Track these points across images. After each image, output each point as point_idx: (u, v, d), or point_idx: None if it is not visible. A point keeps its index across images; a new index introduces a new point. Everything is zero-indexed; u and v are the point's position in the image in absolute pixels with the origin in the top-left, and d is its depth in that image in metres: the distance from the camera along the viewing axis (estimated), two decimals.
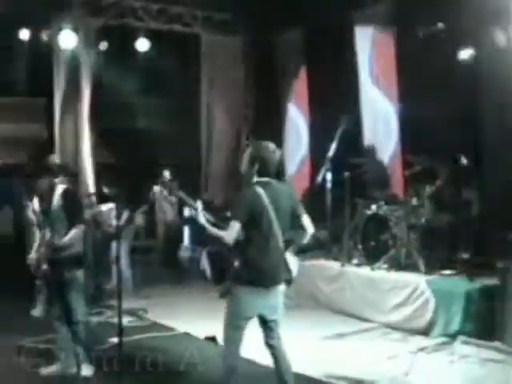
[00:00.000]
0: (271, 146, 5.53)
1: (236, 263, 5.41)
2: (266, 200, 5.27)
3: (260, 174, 5.43)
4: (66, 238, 6.48)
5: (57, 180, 6.65)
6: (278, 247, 5.38)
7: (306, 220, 5.58)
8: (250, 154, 5.52)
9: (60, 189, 6.51)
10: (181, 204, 12.73)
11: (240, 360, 5.47)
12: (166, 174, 12.68)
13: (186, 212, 12.74)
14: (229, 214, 5.31)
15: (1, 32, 13.16)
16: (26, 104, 16.21)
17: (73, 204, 6.53)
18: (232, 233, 5.22)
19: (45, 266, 6.51)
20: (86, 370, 6.64)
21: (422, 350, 7.64)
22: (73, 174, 8.80)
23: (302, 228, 5.58)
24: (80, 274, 6.62)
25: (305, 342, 7.76)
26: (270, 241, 5.33)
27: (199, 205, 5.52)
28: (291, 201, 5.55)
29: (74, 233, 6.45)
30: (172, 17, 13.58)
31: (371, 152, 10.77)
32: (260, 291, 5.34)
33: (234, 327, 5.40)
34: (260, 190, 5.30)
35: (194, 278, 12.56)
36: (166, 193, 12.49)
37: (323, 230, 10.45)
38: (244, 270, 5.34)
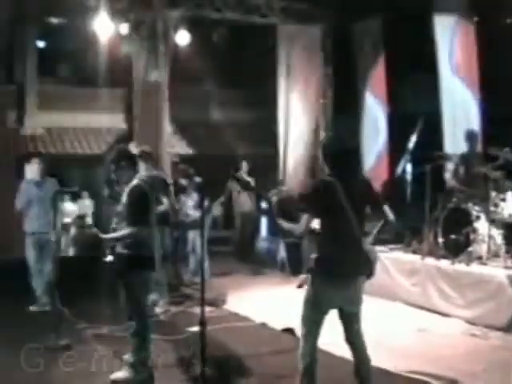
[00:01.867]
0: (344, 137, 5.53)
1: (313, 255, 5.40)
2: (341, 191, 5.22)
3: (334, 166, 5.40)
4: (112, 235, 6.33)
5: (142, 171, 6.46)
6: (355, 238, 5.33)
7: (385, 209, 5.53)
8: (323, 146, 5.53)
9: (132, 183, 6.27)
10: (258, 195, 12.80)
11: (318, 354, 5.46)
12: (244, 165, 12.75)
13: (264, 203, 12.80)
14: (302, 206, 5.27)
15: (80, 24, 13.46)
16: (105, 94, 16.54)
17: (134, 204, 6.20)
18: (301, 226, 5.22)
19: (109, 257, 6.45)
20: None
21: (502, 346, 7.48)
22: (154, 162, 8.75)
23: (382, 217, 5.54)
24: (149, 275, 6.44)
25: (383, 336, 7.69)
26: (346, 231, 5.28)
27: (274, 198, 5.48)
28: (368, 190, 5.50)
29: (124, 233, 6.20)
30: (250, 8, 13.61)
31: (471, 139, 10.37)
32: (338, 283, 5.30)
33: (312, 321, 5.38)
34: (334, 181, 5.26)
35: (271, 269, 12.61)
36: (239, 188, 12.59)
37: (403, 223, 10.33)
38: (321, 262, 5.32)
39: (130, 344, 6.39)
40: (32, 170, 9.50)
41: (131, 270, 6.27)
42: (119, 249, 6.32)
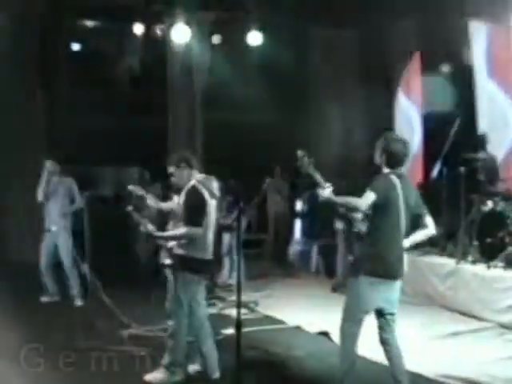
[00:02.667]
0: (402, 138, 5.56)
1: (355, 255, 5.43)
2: (399, 191, 5.24)
3: (390, 165, 5.42)
4: (167, 233, 6.49)
5: (197, 174, 6.51)
6: (401, 241, 5.36)
7: (428, 220, 5.52)
8: (382, 145, 5.53)
9: (189, 184, 6.33)
10: (292, 197, 12.83)
11: (357, 356, 5.46)
12: (277, 170, 12.80)
13: (298, 205, 12.80)
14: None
15: (116, 26, 13.55)
16: (140, 96, 16.59)
17: (192, 205, 6.22)
18: (366, 200, 5.18)
19: (167, 261, 6.48)
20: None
21: None
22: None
23: (424, 227, 5.53)
24: (197, 277, 6.39)
25: (418, 340, 7.65)
26: (396, 233, 5.34)
27: (328, 184, 5.49)
28: (416, 198, 5.51)
29: (176, 232, 6.32)
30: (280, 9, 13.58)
31: (483, 143, 10.33)
32: (383, 284, 5.34)
33: (353, 321, 5.40)
34: (396, 181, 5.28)
35: (304, 271, 12.59)
36: (279, 183, 12.60)
37: (438, 226, 10.24)
38: (371, 262, 5.34)
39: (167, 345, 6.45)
40: (51, 168, 9.73)
41: (182, 270, 6.28)
42: (175, 249, 6.34)
